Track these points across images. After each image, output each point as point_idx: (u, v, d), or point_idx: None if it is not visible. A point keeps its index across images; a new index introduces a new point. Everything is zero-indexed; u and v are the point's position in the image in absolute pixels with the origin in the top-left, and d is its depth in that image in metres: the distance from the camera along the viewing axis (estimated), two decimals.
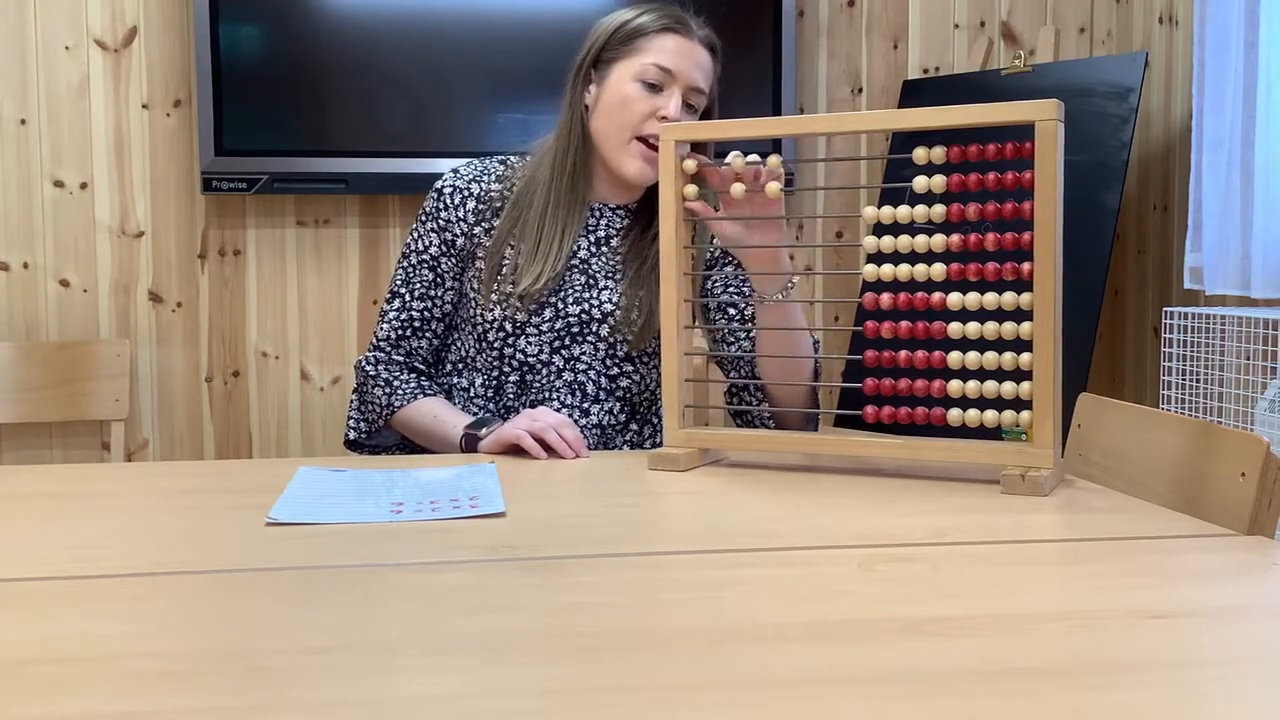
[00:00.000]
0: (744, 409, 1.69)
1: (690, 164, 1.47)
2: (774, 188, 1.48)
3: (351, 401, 1.77)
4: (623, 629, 0.84)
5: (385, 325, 1.73)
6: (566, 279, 1.69)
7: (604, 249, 1.71)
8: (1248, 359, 2.38)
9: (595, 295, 1.69)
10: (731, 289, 1.75)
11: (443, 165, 1.79)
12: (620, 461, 1.52)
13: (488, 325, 1.68)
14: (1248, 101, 2.40)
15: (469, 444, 1.58)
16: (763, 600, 0.90)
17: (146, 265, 2.71)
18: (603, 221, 1.73)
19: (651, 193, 1.73)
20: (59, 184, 2.66)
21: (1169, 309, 2.49)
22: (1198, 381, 2.41)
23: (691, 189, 1.48)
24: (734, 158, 1.45)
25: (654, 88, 1.66)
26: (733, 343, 1.71)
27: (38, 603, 0.91)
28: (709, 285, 1.75)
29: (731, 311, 1.73)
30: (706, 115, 1.72)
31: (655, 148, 1.65)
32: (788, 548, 1.07)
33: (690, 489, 1.34)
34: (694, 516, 1.22)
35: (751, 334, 1.69)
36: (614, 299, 1.69)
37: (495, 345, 1.69)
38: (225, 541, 1.10)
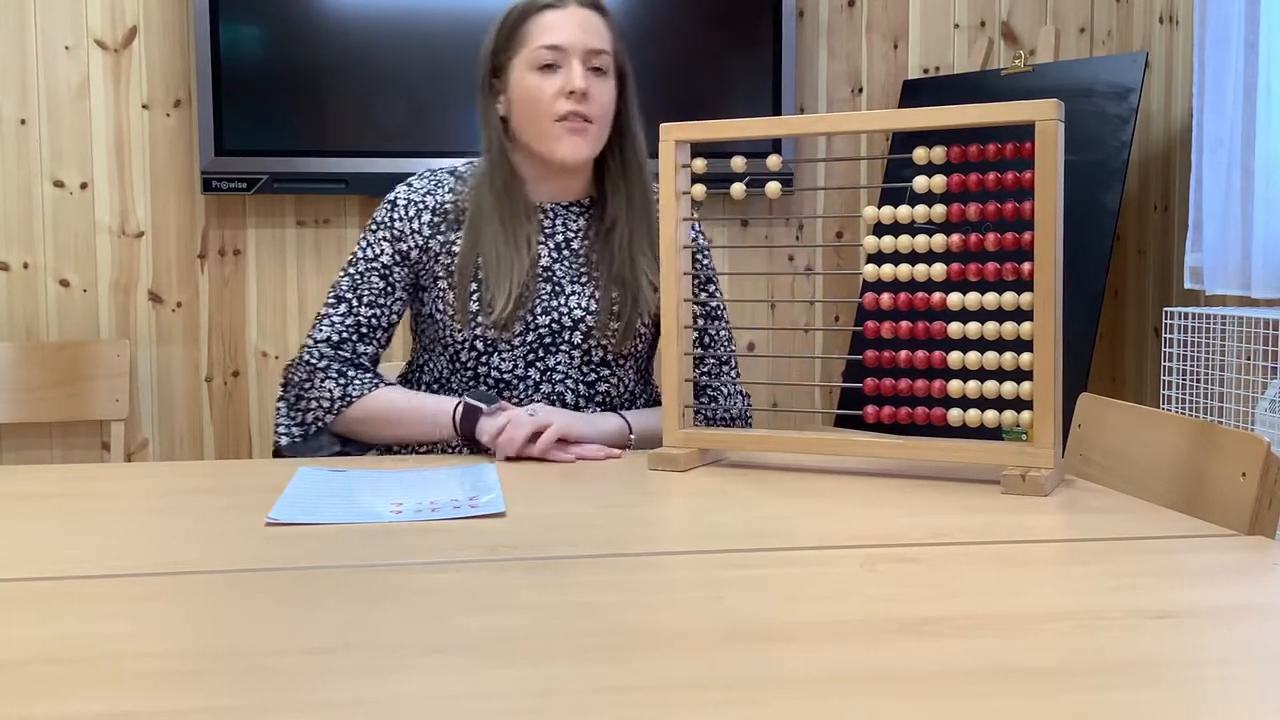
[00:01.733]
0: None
1: (699, 163, 1.47)
2: (774, 187, 1.48)
3: (279, 408, 1.65)
4: (623, 629, 0.84)
5: (326, 328, 1.65)
6: (531, 289, 1.64)
7: (565, 252, 1.68)
8: (1248, 359, 2.38)
9: (564, 302, 1.66)
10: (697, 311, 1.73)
11: (443, 165, 1.78)
12: (620, 462, 1.52)
13: (459, 345, 1.65)
14: (1248, 101, 2.40)
15: (468, 415, 1.54)
16: (763, 600, 0.90)
17: (146, 265, 2.71)
18: (559, 223, 1.70)
19: (601, 185, 1.70)
20: (59, 184, 2.66)
21: (1169, 309, 2.49)
22: (1198, 381, 2.41)
23: (699, 189, 1.48)
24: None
25: (553, 68, 1.63)
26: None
27: (38, 603, 0.91)
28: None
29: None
30: (621, 74, 1.68)
31: (578, 121, 1.62)
32: (788, 548, 1.07)
33: (690, 489, 1.34)
34: (694, 516, 1.22)
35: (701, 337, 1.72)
36: (584, 304, 1.66)
37: (469, 365, 1.66)
38: (225, 541, 1.10)
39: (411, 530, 1.13)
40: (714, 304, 1.74)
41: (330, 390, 1.62)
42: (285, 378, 1.67)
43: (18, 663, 0.77)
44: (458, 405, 1.56)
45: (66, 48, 2.65)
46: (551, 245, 1.69)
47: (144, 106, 2.69)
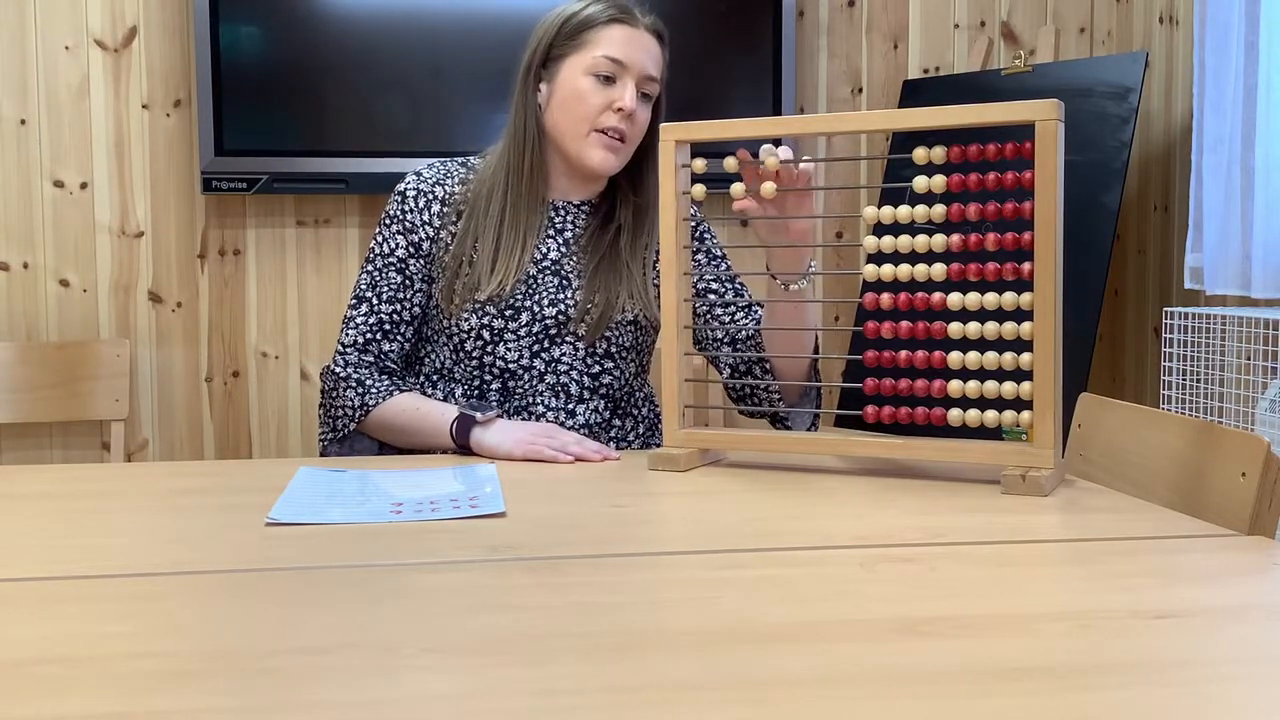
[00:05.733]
0: (749, 395, 1.71)
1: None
2: (771, 187, 1.48)
3: (320, 414, 1.70)
4: (623, 629, 0.84)
5: (352, 330, 1.68)
6: (540, 281, 1.67)
7: (574, 248, 1.71)
8: (1248, 359, 2.38)
9: (570, 296, 1.68)
10: (709, 277, 1.76)
11: (452, 157, 1.79)
12: (620, 462, 1.52)
13: (465, 335, 1.66)
14: (1248, 101, 2.40)
15: (462, 426, 1.55)
16: (762, 600, 0.90)
17: (146, 265, 2.71)
18: (569, 219, 1.72)
19: (610, 185, 1.75)
20: (59, 184, 2.66)
21: (1169, 309, 2.49)
22: (1198, 381, 2.41)
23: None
24: (765, 153, 1.45)
25: (607, 80, 1.65)
26: (721, 329, 1.71)
27: (38, 603, 0.91)
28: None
29: (712, 298, 1.74)
30: (656, 103, 1.72)
31: (615, 138, 1.66)
32: (788, 548, 1.07)
33: (690, 489, 1.34)
34: (694, 516, 1.22)
35: (742, 317, 1.73)
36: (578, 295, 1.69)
37: (474, 354, 1.67)
38: (225, 541, 1.10)
39: (411, 530, 1.13)
40: (725, 269, 1.80)
41: (351, 400, 1.65)
42: (321, 385, 1.70)
43: (18, 663, 0.77)
44: (454, 420, 1.57)
45: (66, 48, 2.65)
46: (560, 241, 1.71)
47: (144, 106, 2.69)
